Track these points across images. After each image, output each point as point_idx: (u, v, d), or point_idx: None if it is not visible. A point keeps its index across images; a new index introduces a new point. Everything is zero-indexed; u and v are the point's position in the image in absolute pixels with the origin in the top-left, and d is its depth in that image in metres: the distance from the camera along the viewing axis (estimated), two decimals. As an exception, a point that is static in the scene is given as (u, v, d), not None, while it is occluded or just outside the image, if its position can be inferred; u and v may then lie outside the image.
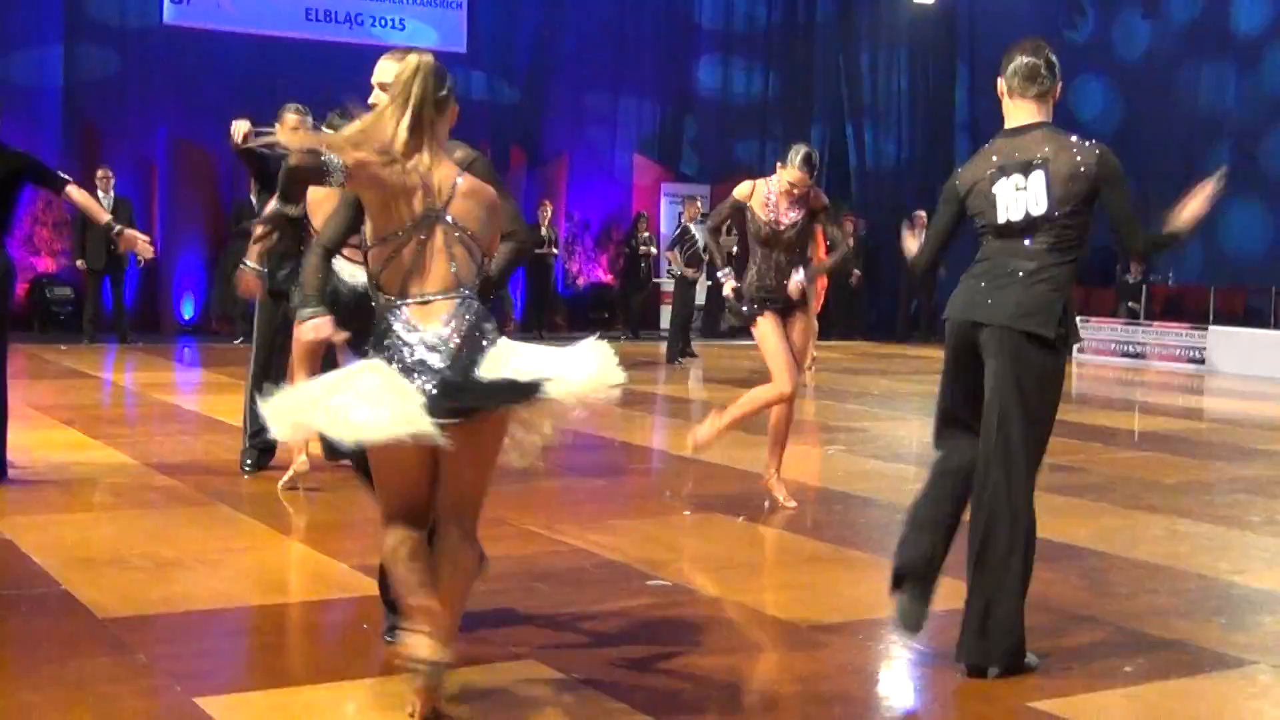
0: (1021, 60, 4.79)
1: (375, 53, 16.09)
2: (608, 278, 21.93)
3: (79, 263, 17.23)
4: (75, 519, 6.96)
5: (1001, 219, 4.75)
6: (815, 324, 7.74)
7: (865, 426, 11.28)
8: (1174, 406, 14.24)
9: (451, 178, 4.08)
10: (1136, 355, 18.90)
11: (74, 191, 7.44)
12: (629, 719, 4.21)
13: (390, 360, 3.92)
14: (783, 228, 7.50)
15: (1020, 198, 4.70)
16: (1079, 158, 4.65)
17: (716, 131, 22.92)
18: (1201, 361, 18.11)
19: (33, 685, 4.39)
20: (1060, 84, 4.86)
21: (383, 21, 20.63)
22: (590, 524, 7.07)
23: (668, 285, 19.65)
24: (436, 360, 3.90)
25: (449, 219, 4.02)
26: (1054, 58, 4.82)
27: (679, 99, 22.77)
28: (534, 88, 21.70)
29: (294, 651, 4.89)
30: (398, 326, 3.97)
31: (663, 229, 21.39)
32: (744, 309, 7.58)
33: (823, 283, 15.51)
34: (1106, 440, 11.10)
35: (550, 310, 20.65)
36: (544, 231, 19.90)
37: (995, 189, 4.75)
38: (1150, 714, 4.48)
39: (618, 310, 21.35)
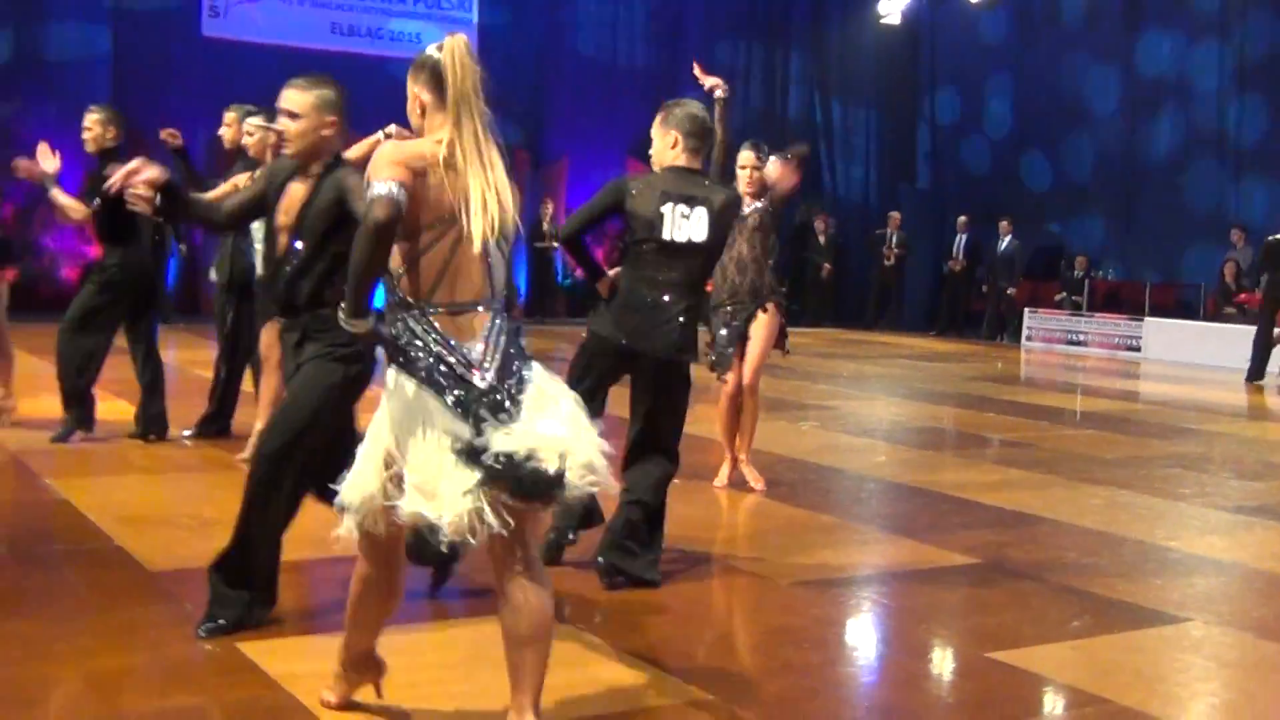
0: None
1: (393, 64, 16.26)
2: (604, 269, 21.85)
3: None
4: (125, 481, 6.95)
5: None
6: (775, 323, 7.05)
7: (835, 405, 11.30)
8: (1113, 390, 14.27)
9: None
10: (1079, 343, 18.95)
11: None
12: (625, 664, 4.22)
13: (431, 386, 3.24)
14: (747, 216, 6.82)
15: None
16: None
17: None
18: (1138, 349, 18.16)
19: (89, 631, 4.40)
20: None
21: (401, 36, 20.57)
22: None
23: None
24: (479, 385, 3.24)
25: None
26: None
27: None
28: (537, 96, 21.67)
29: (327, 602, 4.87)
30: (429, 338, 3.28)
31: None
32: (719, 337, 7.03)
33: None
34: (1052, 419, 11.14)
35: (551, 299, 20.71)
36: (545, 226, 19.96)
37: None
38: (1096, 664, 4.50)
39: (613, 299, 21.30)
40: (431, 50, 3.49)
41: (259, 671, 4.00)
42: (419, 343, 3.28)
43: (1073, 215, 21.06)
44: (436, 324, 3.29)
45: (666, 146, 5.26)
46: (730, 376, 7.05)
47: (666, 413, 5.24)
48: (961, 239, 20.85)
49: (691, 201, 5.13)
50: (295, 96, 4.30)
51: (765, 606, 5.13)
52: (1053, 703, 4.23)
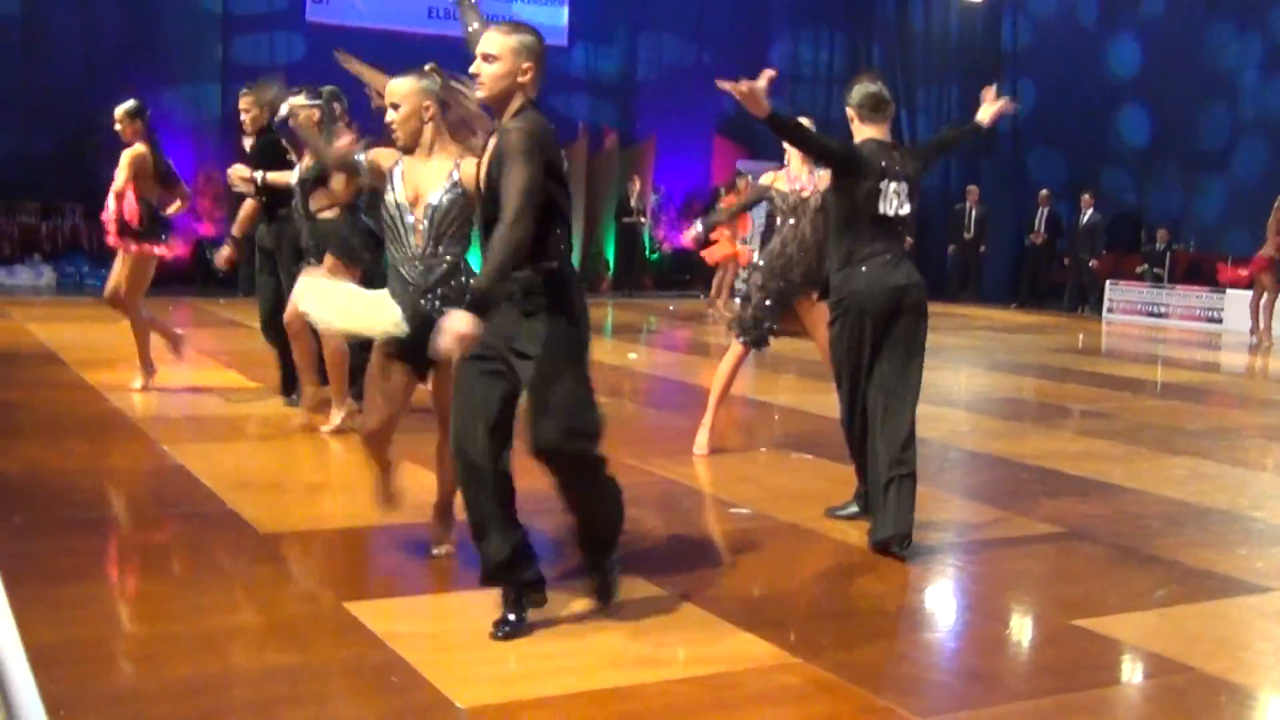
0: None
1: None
2: (689, 244, 21.84)
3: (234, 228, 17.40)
4: (236, 448, 7.05)
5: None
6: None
7: (918, 376, 11.14)
8: (1195, 361, 13.95)
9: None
10: (1159, 315, 18.53)
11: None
12: (716, 628, 4.20)
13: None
14: (805, 193, 6.76)
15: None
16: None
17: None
18: (1219, 321, 17.72)
19: (203, 590, 4.46)
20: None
21: (496, 18, 20.45)
22: (679, 458, 7.06)
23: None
24: None
25: None
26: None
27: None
28: (627, 76, 21.66)
29: (425, 563, 4.91)
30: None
31: (739, 201, 21.31)
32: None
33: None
34: (1134, 390, 10.91)
35: (639, 273, 20.70)
36: (633, 202, 19.96)
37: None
38: (1180, 632, 4.39)
39: (697, 273, 21.26)
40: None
41: (365, 630, 4.04)
42: None
43: (1155, 188, 20.57)
44: None
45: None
46: (740, 344, 6.95)
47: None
48: (1043, 212, 20.46)
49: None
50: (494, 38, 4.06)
51: (851, 573, 5.07)
52: (1137, 670, 4.14)
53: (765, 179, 7.05)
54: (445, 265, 4.52)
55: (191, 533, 5.25)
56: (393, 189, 4.54)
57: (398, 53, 22.28)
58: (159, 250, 8.32)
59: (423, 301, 4.49)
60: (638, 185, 20.12)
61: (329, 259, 6.76)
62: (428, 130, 4.54)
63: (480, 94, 4.09)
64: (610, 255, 20.60)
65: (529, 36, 4.07)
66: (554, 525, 4.84)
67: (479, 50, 4.05)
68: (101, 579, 4.59)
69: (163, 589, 4.45)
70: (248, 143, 7.95)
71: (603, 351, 12.75)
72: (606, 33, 21.57)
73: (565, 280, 4.01)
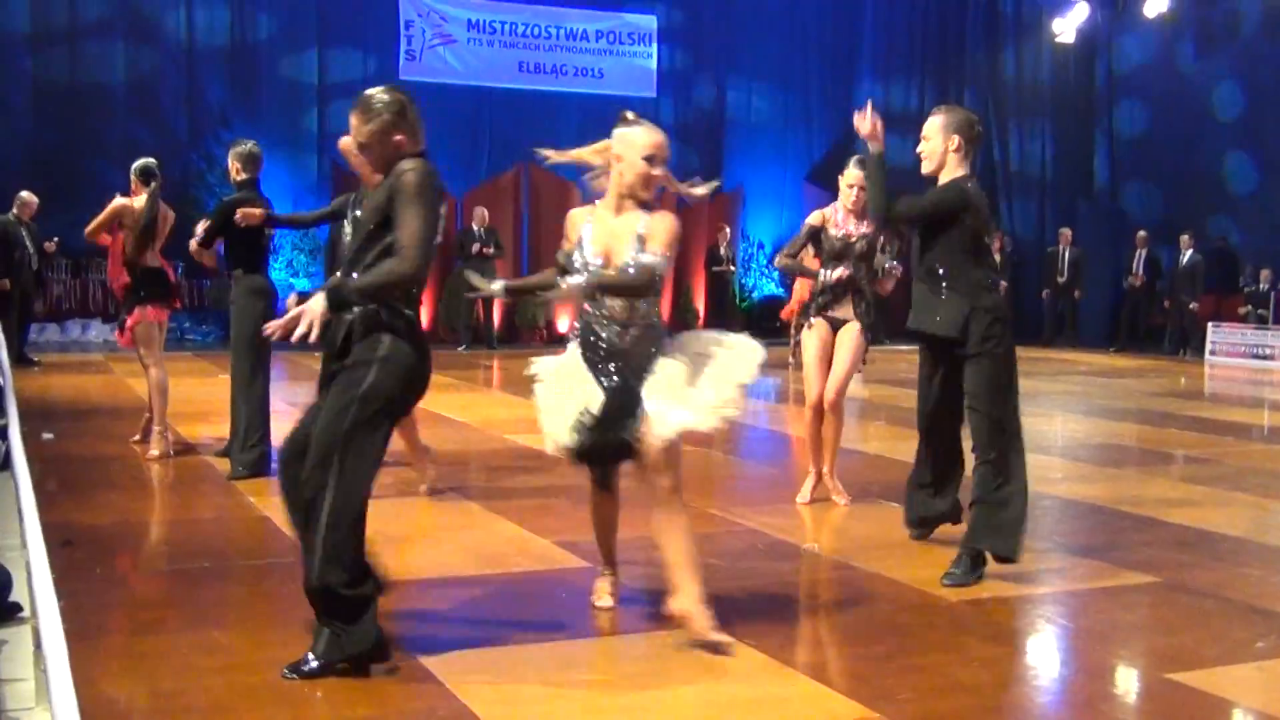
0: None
1: (576, 99, 16.46)
2: (779, 291, 21.77)
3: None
4: (322, 499, 7.08)
5: None
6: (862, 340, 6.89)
7: (1011, 422, 10.92)
8: (1302, 404, 13.52)
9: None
10: (1266, 357, 18.00)
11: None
12: (795, 680, 4.10)
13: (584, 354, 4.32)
14: (853, 239, 6.79)
15: None
16: None
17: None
18: (1328, 363, 17.18)
19: (281, 642, 4.46)
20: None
21: (585, 71, 20.79)
22: (761, 507, 6.96)
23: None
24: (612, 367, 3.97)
25: None
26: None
27: (845, 131, 22.51)
28: (715, 128, 21.73)
29: (504, 616, 4.87)
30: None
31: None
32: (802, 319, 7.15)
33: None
34: (1238, 435, 10.57)
35: (730, 320, 20.62)
36: (722, 251, 19.96)
37: None
38: (1281, 687, 4.20)
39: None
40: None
41: (436, 682, 4.01)
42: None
43: (1257, 226, 20.07)
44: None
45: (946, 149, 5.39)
46: (814, 393, 6.92)
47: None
48: (1141, 254, 20.05)
49: None
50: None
51: (935, 624, 4.93)
52: (1236, 727, 3.96)
53: (813, 219, 6.98)
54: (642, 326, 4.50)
55: (272, 585, 5.28)
56: (581, 248, 4.51)
57: (489, 106, 22.82)
58: (144, 313, 8.10)
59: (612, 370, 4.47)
60: (727, 234, 20.11)
61: None
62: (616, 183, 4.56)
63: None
64: (700, 304, 20.58)
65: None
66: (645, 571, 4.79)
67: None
68: (180, 630, 4.61)
69: (240, 641, 4.46)
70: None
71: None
72: (694, 81, 21.66)
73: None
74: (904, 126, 22.80)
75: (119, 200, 8.23)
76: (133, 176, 8.27)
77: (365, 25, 19.74)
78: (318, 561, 3.99)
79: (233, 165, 7.82)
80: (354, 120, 4.19)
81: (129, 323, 8.12)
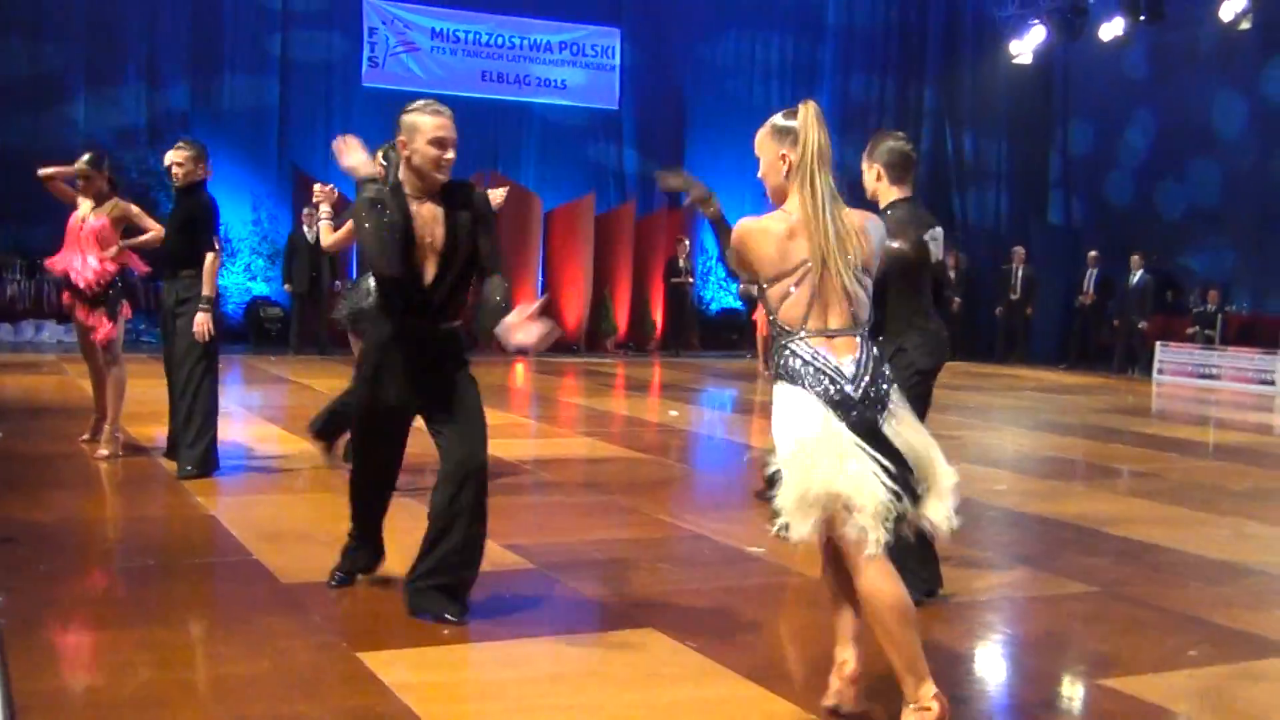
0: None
1: (539, 109, 16.44)
2: (739, 304, 21.83)
3: (286, 287, 17.63)
4: (271, 499, 7.05)
5: None
6: None
7: (960, 434, 10.98)
8: (1245, 423, 13.67)
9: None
10: (1210, 377, 18.21)
11: (208, 259, 7.44)
12: (729, 680, 4.11)
13: (820, 397, 3.57)
14: None
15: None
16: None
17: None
18: (1272, 383, 17.38)
19: (222, 638, 4.45)
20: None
21: (547, 82, 20.78)
22: (711, 513, 6.97)
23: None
24: (854, 394, 3.58)
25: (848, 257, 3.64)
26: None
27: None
28: (677, 135, 21.75)
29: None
30: (808, 356, 3.60)
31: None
32: None
33: None
34: (1182, 451, 10.68)
35: (687, 333, 20.68)
36: (681, 263, 19.98)
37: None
38: (1211, 694, 4.24)
39: (745, 332, 21.23)
40: (786, 118, 3.77)
41: (376, 681, 3.98)
42: (799, 360, 3.62)
43: (1205, 248, 20.32)
44: (811, 344, 3.63)
45: (872, 179, 5.23)
46: None
47: None
48: (1092, 273, 20.26)
49: None
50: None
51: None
52: (1166, 732, 3.99)
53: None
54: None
55: (214, 582, 5.25)
56: None
57: (456, 116, 22.75)
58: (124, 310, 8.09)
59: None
60: (686, 246, 20.14)
61: None
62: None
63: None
64: (658, 316, 20.61)
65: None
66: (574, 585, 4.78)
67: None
68: (121, 627, 4.56)
69: (180, 637, 4.42)
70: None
71: (645, 409, 12.70)
72: (656, 93, 21.66)
73: None
74: (863, 128, 23.00)
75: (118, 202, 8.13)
76: (104, 170, 8.11)
77: (330, 29, 19.66)
78: None
79: (200, 165, 7.57)
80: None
81: (122, 315, 8.01)
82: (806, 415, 3.57)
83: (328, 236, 7.06)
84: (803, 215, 3.64)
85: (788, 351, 3.66)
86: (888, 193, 5.20)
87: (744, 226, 3.72)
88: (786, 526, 3.60)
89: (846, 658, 3.87)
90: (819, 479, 3.48)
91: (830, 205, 3.66)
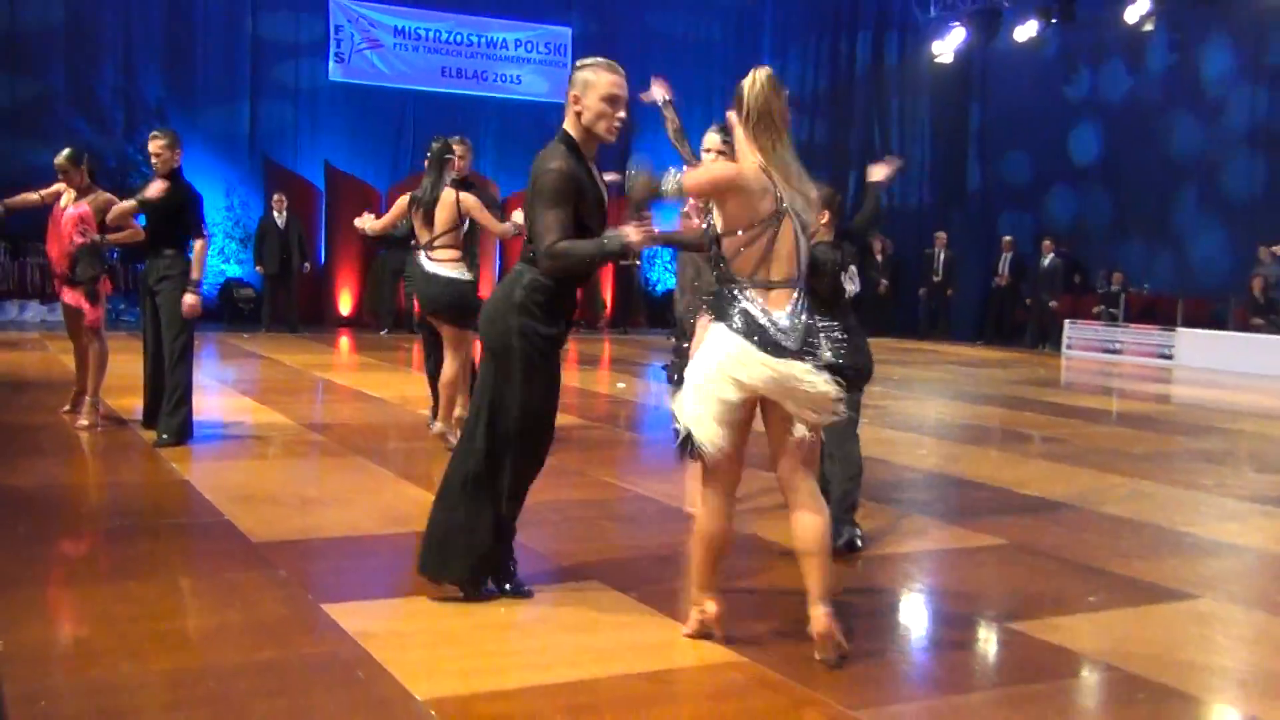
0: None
1: (495, 103, 16.38)
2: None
3: (258, 268, 17.45)
4: (242, 465, 7.00)
5: None
6: None
7: (885, 404, 11.07)
8: (1145, 393, 13.88)
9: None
10: (1115, 351, 18.46)
11: (197, 244, 7.38)
12: (669, 628, 4.13)
13: (748, 337, 3.72)
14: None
15: None
16: None
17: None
18: (1170, 358, 17.66)
19: (193, 592, 4.42)
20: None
21: (503, 78, 20.65)
22: (652, 475, 6.99)
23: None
24: (787, 342, 3.74)
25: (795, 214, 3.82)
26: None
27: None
28: (625, 130, 21.62)
29: (403, 570, 4.84)
30: (749, 307, 3.75)
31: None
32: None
33: None
34: (1086, 418, 10.83)
35: (634, 310, 20.68)
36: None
37: None
38: (1110, 635, 4.32)
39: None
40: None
41: (338, 629, 3.97)
42: (736, 308, 3.76)
43: (1112, 236, 20.56)
44: (752, 294, 3.76)
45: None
46: None
47: None
48: (1006, 257, 20.47)
49: None
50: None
51: (799, 579, 4.97)
52: (1068, 670, 4.05)
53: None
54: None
55: (186, 541, 5.20)
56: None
57: (413, 108, 22.63)
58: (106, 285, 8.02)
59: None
60: (635, 226, 20.09)
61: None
62: None
63: None
64: (607, 296, 20.58)
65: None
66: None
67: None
68: (98, 582, 4.52)
69: (153, 592, 4.38)
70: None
71: (596, 381, 12.71)
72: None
73: None
74: (796, 109, 23.01)
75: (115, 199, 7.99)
76: (83, 166, 7.98)
77: (298, 27, 19.43)
78: None
79: (175, 151, 7.44)
80: None
81: (102, 292, 7.88)
82: (729, 343, 3.75)
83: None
84: (770, 176, 3.78)
85: (729, 298, 3.79)
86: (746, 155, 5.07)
87: (742, 173, 3.80)
88: (694, 448, 3.89)
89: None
90: (726, 376, 3.74)
91: (795, 166, 3.83)
